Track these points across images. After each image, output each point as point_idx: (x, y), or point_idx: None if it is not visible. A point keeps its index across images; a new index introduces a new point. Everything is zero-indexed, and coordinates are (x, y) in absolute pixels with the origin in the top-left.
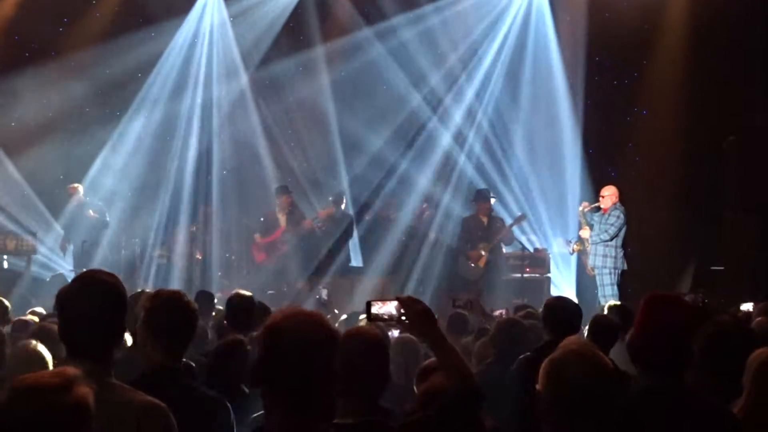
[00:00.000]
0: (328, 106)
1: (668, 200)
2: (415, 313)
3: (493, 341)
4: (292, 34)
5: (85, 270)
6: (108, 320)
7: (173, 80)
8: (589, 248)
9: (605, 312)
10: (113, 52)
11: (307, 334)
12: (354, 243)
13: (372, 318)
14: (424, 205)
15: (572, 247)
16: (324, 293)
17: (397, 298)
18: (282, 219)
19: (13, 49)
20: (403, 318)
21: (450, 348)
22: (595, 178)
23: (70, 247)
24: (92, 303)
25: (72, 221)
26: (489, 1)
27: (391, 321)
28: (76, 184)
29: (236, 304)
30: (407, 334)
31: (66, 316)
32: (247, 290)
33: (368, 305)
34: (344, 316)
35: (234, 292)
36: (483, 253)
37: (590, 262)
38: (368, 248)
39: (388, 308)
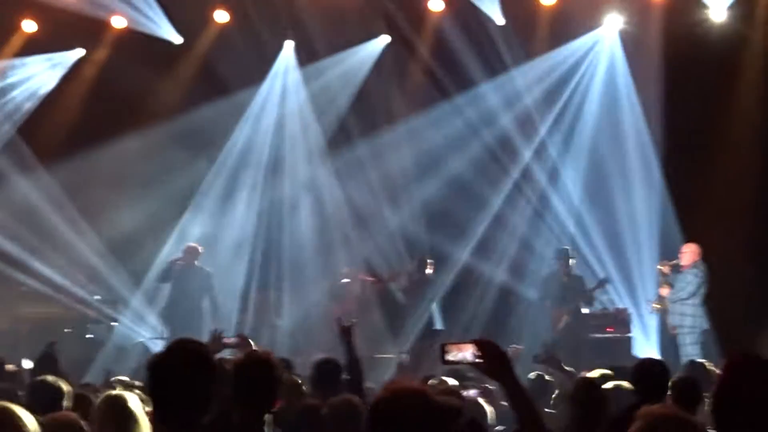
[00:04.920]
0: (406, 174)
1: (751, 256)
2: (491, 356)
3: (571, 402)
4: (365, 108)
5: (177, 339)
6: (197, 388)
7: (248, 150)
8: (669, 307)
9: (686, 371)
10: (190, 117)
11: (414, 410)
12: (437, 306)
13: (446, 362)
14: (504, 267)
15: (652, 306)
16: (404, 358)
17: (473, 341)
18: (354, 288)
19: (94, 110)
20: (479, 361)
21: (525, 396)
22: (679, 234)
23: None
24: (182, 371)
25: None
26: (562, 54)
27: (466, 363)
28: (195, 244)
29: (324, 368)
30: (477, 398)
31: (156, 384)
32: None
33: (442, 349)
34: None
35: (322, 356)
36: (564, 314)
37: (670, 321)
38: (452, 311)
39: (463, 353)
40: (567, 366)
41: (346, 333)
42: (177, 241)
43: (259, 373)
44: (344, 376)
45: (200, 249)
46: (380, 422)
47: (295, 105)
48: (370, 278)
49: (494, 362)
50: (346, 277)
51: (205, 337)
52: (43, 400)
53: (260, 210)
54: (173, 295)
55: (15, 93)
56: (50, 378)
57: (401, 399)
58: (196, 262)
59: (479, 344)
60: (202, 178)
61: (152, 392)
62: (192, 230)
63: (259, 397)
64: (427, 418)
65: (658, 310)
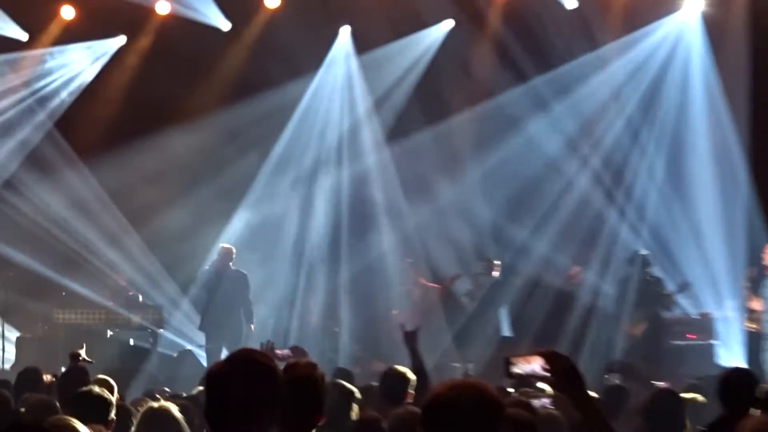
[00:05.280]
0: (472, 173)
1: None
2: (561, 368)
3: (646, 415)
4: (428, 97)
5: (239, 349)
6: (258, 405)
7: (303, 143)
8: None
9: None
10: (238, 113)
11: (470, 404)
12: (505, 311)
13: (511, 376)
14: (576, 269)
15: (746, 325)
16: (470, 368)
17: (540, 353)
18: (416, 293)
19: (132, 114)
20: (548, 374)
21: (597, 412)
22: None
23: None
24: (244, 385)
25: (214, 291)
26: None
27: (534, 378)
28: (229, 245)
29: (391, 379)
30: (552, 410)
31: (215, 397)
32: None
33: (507, 362)
34: None
35: (390, 366)
36: (639, 321)
37: (764, 329)
38: (521, 316)
39: (531, 366)
40: (644, 375)
41: (409, 338)
42: (227, 242)
43: (301, 390)
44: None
45: (233, 250)
46: (435, 418)
47: (354, 95)
48: (433, 283)
49: (564, 376)
50: (408, 281)
51: (244, 345)
52: (89, 412)
53: (316, 207)
54: (209, 301)
55: (53, 83)
56: (96, 389)
57: (457, 394)
58: (230, 265)
59: (547, 356)
60: (254, 174)
61: (209, 406)
62: (240, 230)
63: (301, 416)
64: (483, 412)
65: (753, 328)
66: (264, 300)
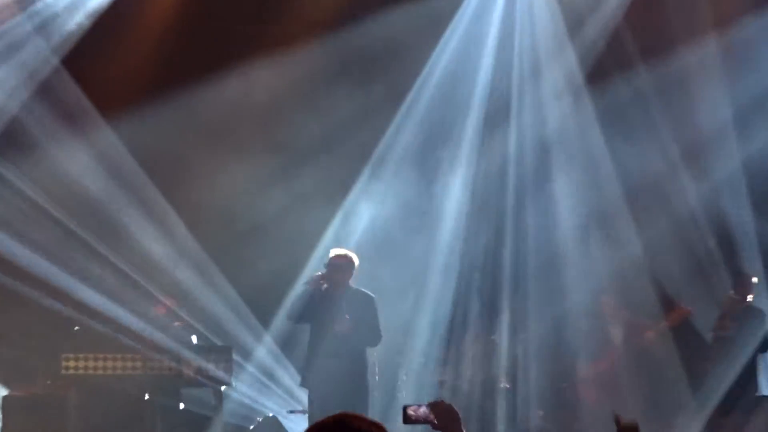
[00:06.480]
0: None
1: None
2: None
3: None
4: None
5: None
6: None
7: (452, 90)
8: None
9: None
10: (356, 32)
11: None
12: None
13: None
14: None
15: None
16: None
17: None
18: (615, 333)
19: (188, 41)
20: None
21: None
22: None
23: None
24: None
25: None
26: None
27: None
28: (347, 252)
29: None
30: None
31: None
32: None
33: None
34: None
35: None
36: None
37: None
38: None
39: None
40: None
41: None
42: (336, 242)
43: None
44: None
45: (355, 259)
46: None
47: (532, 14)
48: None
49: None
50: (606, 311)
51: (372, 407)
52: None
53: (476, 188)
54: (314, 338)
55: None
56: None
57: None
58: (351, 282)
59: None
60: (379, 131)
61: None
62: (359, 223)
63: None
64: None
65: None
66: (392, 334)
